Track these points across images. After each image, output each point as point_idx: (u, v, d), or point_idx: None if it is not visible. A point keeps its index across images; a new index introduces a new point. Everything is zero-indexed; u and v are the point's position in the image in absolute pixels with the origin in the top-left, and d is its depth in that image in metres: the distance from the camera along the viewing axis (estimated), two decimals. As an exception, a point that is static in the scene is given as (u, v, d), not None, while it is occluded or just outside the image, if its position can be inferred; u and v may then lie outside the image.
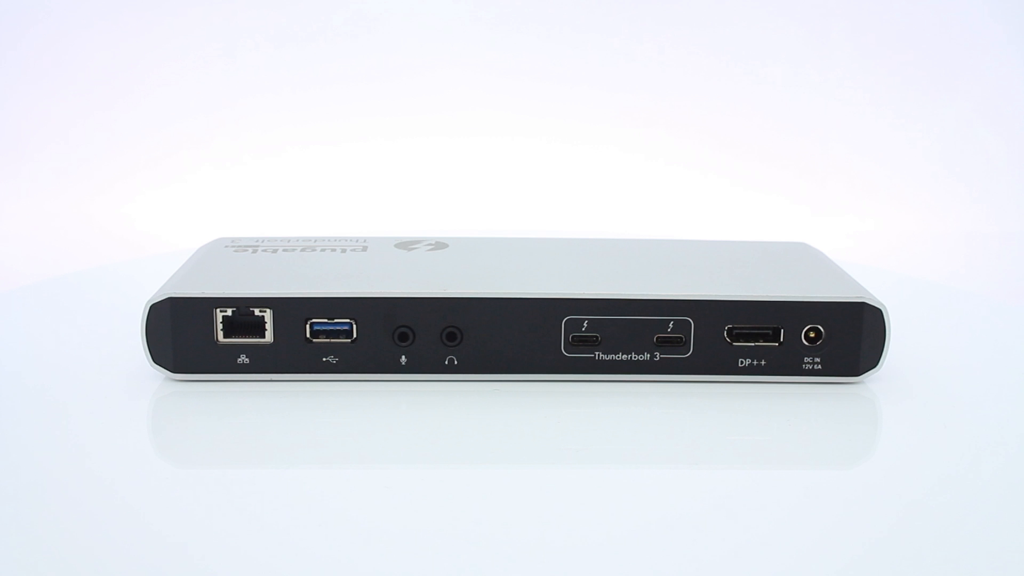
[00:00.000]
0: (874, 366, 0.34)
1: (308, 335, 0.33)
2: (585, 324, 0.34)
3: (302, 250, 0.38)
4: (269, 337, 0.33)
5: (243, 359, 0.34)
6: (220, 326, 0.33)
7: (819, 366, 0.34)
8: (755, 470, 0.29)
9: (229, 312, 0.33)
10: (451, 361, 0.34)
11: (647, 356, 0.34)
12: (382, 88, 0.88)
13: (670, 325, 0.34)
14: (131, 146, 0.88)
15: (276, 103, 0.88)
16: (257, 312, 0.33)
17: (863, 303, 0.34)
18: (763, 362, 0.34)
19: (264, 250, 0.38)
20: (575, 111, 0.89)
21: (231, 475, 0.29)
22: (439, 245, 0.39)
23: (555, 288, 0.34)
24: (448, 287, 0.34)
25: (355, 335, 0.34)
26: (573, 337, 0.34)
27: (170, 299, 0.33)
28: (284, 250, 0.38)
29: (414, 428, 0.31)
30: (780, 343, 0.34)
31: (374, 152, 0.88)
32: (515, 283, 0.34)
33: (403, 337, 0.34)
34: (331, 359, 0.34)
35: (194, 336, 0.33)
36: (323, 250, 0.38)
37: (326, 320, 0.33)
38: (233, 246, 0.39)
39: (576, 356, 0.34)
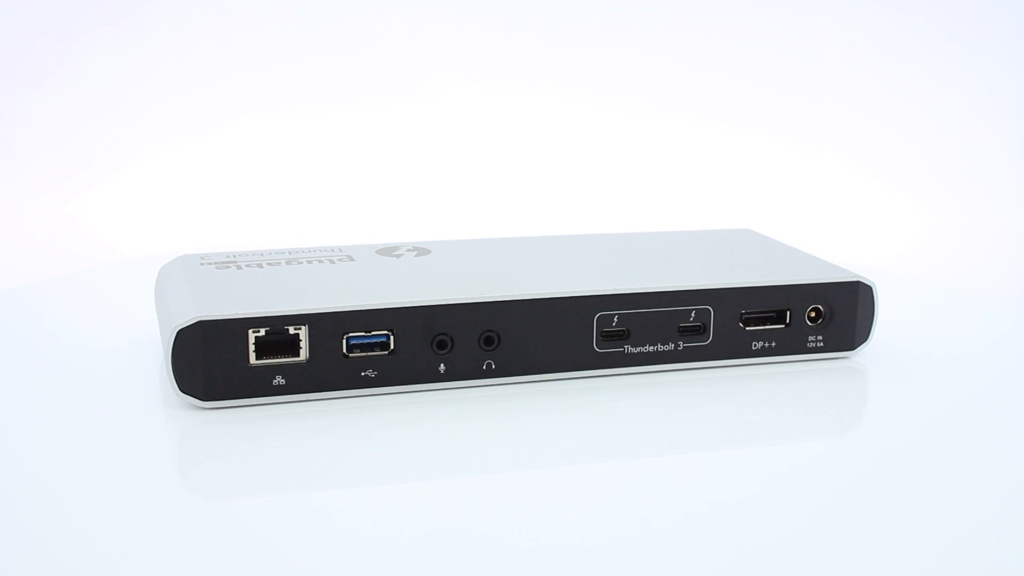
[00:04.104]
0: (865, 339, 0.37)
1: (345, 350, 0.32)
2: (615, 319, 0.34)
3: (287, 263, 0.36)
4: (304, 355, 0.32)
5: (279, 380, 0.32)
6: (253, 347, 0.31)
7: (821, 343, 0.36)
8: (797, 445, 0.31)
9: (262, 332, 0.31)
10: (489, 365, 0.33)
11: (672, 346, 0.35)
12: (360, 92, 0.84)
13: (692, 314, 0.35)
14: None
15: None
16: (292, 330, 0.32)
17: (859, 282, 0.36)
18: (773, 343, 0.36)
19: (248, 265, 0.36)
20: (564, 107, 0.88)
21: (276, 502, 0.27)
22: (421, 251, 0.38)
23: (587, 286, 0.34)
24: (486, 291, 0.33)
25: (393, 346, 0.33)
26: (604, 333, 0.34)
27: (200, 323, 0.31)
28: (268, 263, 0.36)
29: (468, 437, 0.31)
30: (787, 324, 0.36)
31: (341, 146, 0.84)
32: (549, 283, 0.34)
33: (442, 345, 0.33)
34: (369, 373, 0.32)
35: (226, 360, 0.31)
36: (309, 262, 0.37)
37: (363, 333, 0.32)
38: (213, 263, 0.36)
39: (607, 351, 0.34)
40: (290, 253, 0.38)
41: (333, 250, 0.38)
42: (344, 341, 0.32)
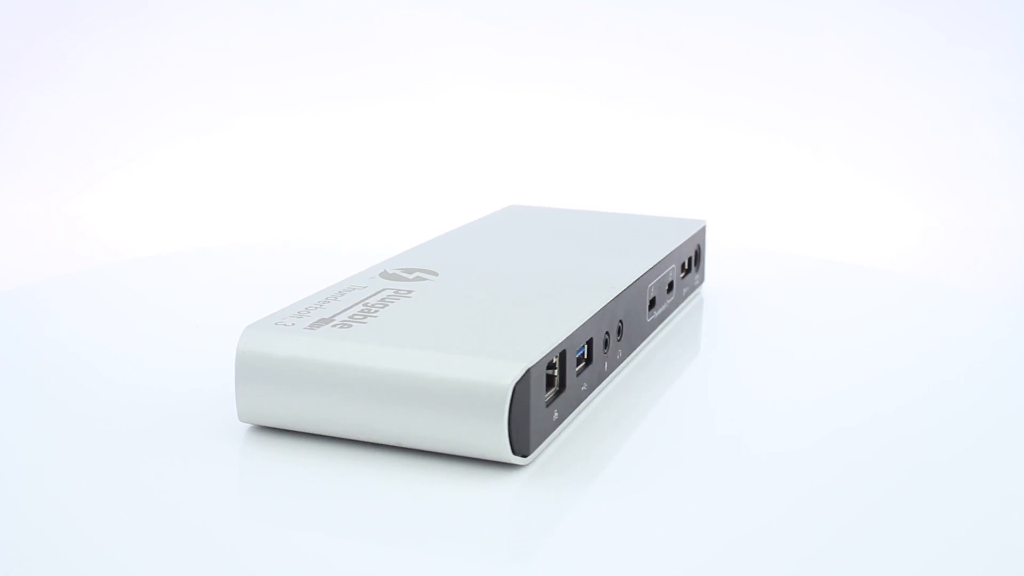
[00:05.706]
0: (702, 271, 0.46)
1: (576, 368, 0.31)
2: (653, 289, 0.38)
3: (367, 304, 0.32)
4: (557, 383, 0.30)
5: (556, 415, 0.30)
6: (545, 385, 0.29)
7: (698, 281, 0.44)
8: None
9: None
10: (618, 353, 0.35)
11: (664, 307, 0.40)
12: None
13: (670, 273, 0.40)
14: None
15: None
16: (554, 360, 0.30)
17: (705, 224, 0.45)
18: (690, 288, 0.43)
19: (354, 321, 0.31)
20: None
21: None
22: (430, 273, 0.36)
23: (644, 263, 0.37)
24: (615, 284, 0.35)
25: (586, 355, 0.32)
26: (649, 302, 0.38)
27: (528, 371, 0.28)
28: (360, 316, 0.31)
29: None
30: (688, 271, 0.43)
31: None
32: (627, 267, 0.37)
33: (606, 344, 0.34)
34: (584, 387, 0.32)
35: (535, 407, 0.28)
36: (384, 304, 0.33)
37: (580, 346, 0.32)
38: (318, 324, 0.30)
39: (651, 319, 0.38)
40: (341, 296, 0.33)
41: (355, 287, 0.34)
42: (575, 360, 0.31)
